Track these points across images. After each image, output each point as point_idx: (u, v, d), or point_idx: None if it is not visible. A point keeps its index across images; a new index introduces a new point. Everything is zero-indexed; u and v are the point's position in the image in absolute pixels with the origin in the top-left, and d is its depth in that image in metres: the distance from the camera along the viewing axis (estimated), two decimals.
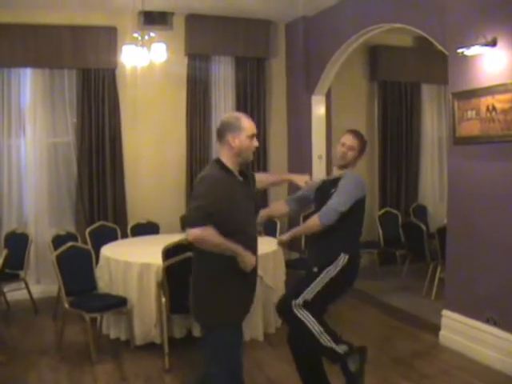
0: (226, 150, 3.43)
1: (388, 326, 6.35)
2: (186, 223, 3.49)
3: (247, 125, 3.44)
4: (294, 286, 4.32)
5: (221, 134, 3.45)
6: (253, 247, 3.53)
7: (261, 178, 4.05)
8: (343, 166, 4.21)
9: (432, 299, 6.96)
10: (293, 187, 8.76)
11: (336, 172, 4.29)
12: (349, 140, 4.19)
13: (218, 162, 3.44)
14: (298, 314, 4.02)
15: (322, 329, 3.99)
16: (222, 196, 3.29)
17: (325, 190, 4.22)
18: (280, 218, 7.15)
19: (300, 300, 4.04)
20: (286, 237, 4.34)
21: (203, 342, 3.60)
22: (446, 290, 5.79)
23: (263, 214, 4.34)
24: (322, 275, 4.08)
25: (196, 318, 3.65)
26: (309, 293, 4.06)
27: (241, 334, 3.67)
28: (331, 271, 4.09)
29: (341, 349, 3.98)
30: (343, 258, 4.10)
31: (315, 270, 4.12)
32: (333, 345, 3.98)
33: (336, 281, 4.09)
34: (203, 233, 3.25)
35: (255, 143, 3.50)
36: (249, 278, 3.54)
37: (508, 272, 4.94)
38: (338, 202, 4.02)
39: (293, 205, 4.51)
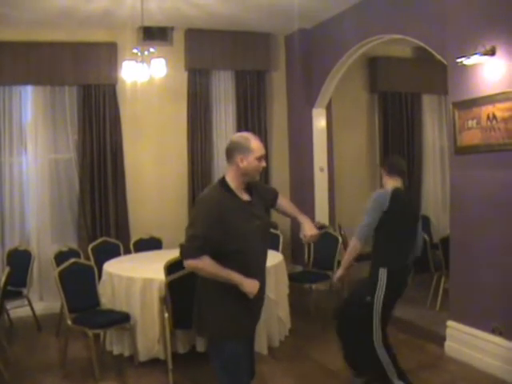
0: (233, 169, 3.43)
1: (393, 337, 6.27)
2: (181, 253, 3.54)
3: (256, 146, 3.43)
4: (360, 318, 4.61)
5: (230, 155, 3.44)
6: (256, 265, 3.52)
7: (283, 206, 4.01)
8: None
9: (437, 310, 6.92)
10: (295, 196, 8.78)
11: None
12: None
13: (222, 181, 3.46)
14: (379, 355, 4.50)
15: (393, 370, 4.50)
16: (215, 220, 3.29)
17: None
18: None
19: (376, 340, 4.49)
20: (340, 272, 4.70)
21: (210, 355, 3.59)
22: (451, 300, 5.76)
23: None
24: (375, 306, 4.44)
25: (200, 331, 3.68)
26: (377, 330, 4.49)
27: (248, 346, 3.67)
28: (380, 295, 4.43)
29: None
30: (382, 273, 4.42)
31: (368, 299, 4.45)
32: (395, 380, 4.49)
33: (387, 299, 4.46)
34: (198, 264, 3.31)
35: (263, 164, 3.49)
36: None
37: None
38: (365, 218, 4.45)
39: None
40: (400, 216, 4.46)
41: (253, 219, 3.46)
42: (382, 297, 4.41)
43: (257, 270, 3.49)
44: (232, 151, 3.43)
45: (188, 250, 3.33)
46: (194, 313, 3.55)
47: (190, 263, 3.33)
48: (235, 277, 3.32)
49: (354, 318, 4.65)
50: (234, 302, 3.41)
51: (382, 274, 4.41)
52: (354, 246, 4.49)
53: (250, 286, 3.36)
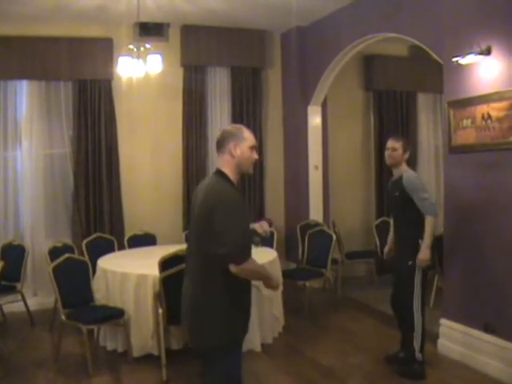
0: (227, 160, 3.28)
1: (386, 335, 6.33)
2: (232, 258, 3.09)
3: (249, 136, 3.35)
4: (401, 284, 5.16)
5: (222, 144, 3.31)
6: None
7: None
8: (394, 165, 5.16)
9: (430, 308, 6.92)
10: (289, 194, 8.80)
11: (394, 172, 5.20)
12: (390, 143, 5.14)
13: (222, 174, 3.28)
14: (415, 319, 5.00)
15: (420, 332, 5.02)
16: (246, 216, 3.24)
17: (391, 191, 5.24)
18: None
19: (415, 306, 4.99)
20: (427, 255, 4.95)
21: (210, 367, 3.33)
22: (444, 298, 5.78)
23: (387, 249, 5.63)
24: (417, 271, 4.97)
25: (201, 342, 3.31)
26: (417, 295, 4.99)
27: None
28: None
29: (418, 356, 5.03)
30: (420, 243, 4.95)
31: (410, 263, 4.98)
32: (416, 349, 5.01)
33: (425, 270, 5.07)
34: (254, 267, 3.21)
35: (255, 155, 3.38)
36: (249, 294, 3.42)
37: (506, 280, 4.93)
38: (423, 196, 4.92)
39: None
40: None
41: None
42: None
43: None
44: (224, 140, 3.30)
45: (242, 253, 3.10)
46: (191, 324, 3.32)
47: (247, 267, 3.10)
48: (270, 273, 3.40)
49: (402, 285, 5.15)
50: (241, 309, 3.29)
51: (421, 243, 4.93)
52: (432, 223, 4.93)
53: (278, 279, 3.38)
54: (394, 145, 5.11)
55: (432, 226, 4.93)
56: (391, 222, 5.58)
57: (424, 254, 4.91)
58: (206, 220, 3.12)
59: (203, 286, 3.21)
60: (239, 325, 3.30)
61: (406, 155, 5.12)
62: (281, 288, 6.30)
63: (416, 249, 4.94)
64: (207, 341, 3.25)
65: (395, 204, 5.21)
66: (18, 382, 5.16)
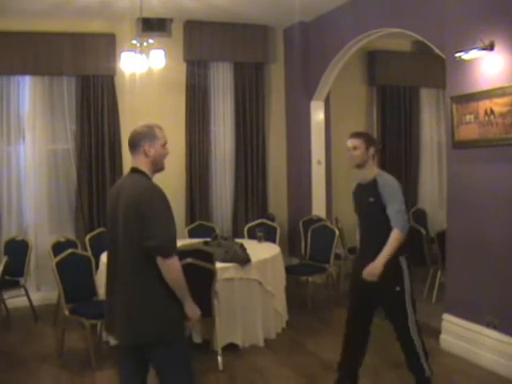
0: (142, 159, 3.36)
1: (388, 330, 6.32)
2: (160, 249, 3.13)
3: (160, 134, 3.40)
4: (391, 314, 4.51)
5: (135, 144, 3.38)
6: None
7: None
8: (360, 166, 4.39)
9: (432, 303, 6.95)
10: (292, 189, 8.80)
11: (363, 174, 4.44)
12: (350, 142, 4.38)
13: (141, 172, 3.36)
14: (414, 339, 4.39)
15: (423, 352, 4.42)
16: (171, 209, 3.25)
17: (362, 196, 4.46)
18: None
19: (411, 325, 4.36)
20: (378, 269, 4.17)
21: (164, 358, 3.31)
22: (447, 294, 5.78)
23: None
24: (406, 294, 4.31)
25: (151, 334, 3.24)
26: (411, 314, 4.34)
27: None
28: (407, 282, 4.31)
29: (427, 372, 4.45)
30: (403, 261, 4.29)
31: (398, 289, 4.28)
32: (426, 371, 4.44)
33: (411, 285, 4.35)
34: (177, 265, 3.20)
35: (167, 151, 3.45)
36: None
37: (508, 276, 4.94)
38: (399, 208, 4.25)
39: None
40: None
41: None
42: (409, 283, 4.32)
43: None
44: (138, 140, 3.36)
45: (171, 247, 3.16)
46: (128, 316, 3.25)
47: (172, 263, 3.14)
48: (189, 300, 3.30)
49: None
50: (177, 299, 3.30)
51: (403, 261, 4.28)
52: (401, 238, 4.19)
53: (194, 310, 3.34)
54: (353, 143, 4.36)
55: (399, 241, 4.17)
56: (358, 233, 4.68)
57: (375, 266, 4.17)
58: (136, 215, 3.17)
59: (140, 281, 3.22)
60: (178, 312, 3.31)
61: (371, 151, 4.37)
62: (283, 283, 6.34)
63: (399, 270, 4.27)
64: (151, 332, 3.23)
65: (368, 213, 4.42)
66: (21, 376, 5.18)
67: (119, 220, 3.27)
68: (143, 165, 3.36)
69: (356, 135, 4.43)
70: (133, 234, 3.18)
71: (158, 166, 3.41)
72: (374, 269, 4.16)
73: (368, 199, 4.32)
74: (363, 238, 4.55)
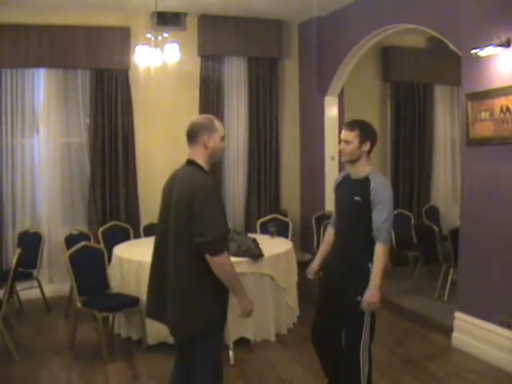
0: (200, 150, 3.36)
1: (400, 327, 6.33)
2: (208, 246, 3.13)
3: (220, 126, 3.42)
4: (346, 324, 3.98)
5: (194, 135, 3.37)
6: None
7: None
8: (352, 162, 3.92)
9: (444, 301, 6.93)
10: (305, 184, 8.78)
11: (353, 170, 3.97)
12: (342, 135, 3.96)
13: (196, 164, 3.36)
14: (361, 361, 3.85)
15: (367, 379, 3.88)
16: (222, 205, 3.28)
17: (347, 192, 3.96)
18: None
19: (364, 342, 3.84)
20: (375, 296, 3.72)
21: (195, 352, 3.34)
22: (459, 292, 5.76)
23: (316, 266, 4.35)
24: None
25: (187, 328, 3.29)
26: (366, 331, 3.85)
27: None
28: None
29: None
30: (371, 269, 3.80)
31: (359, 298, 3.77)
32: None
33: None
34: (227, 262, 3.19)
35: (225, 145, 3.49)
36: None
37: None
38: (388, 217, 3.75)
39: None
40: None
41: None
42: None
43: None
44: (197, 131, 3.37)
45: (220, 245, 3.14)
46: (176, 306, 3.27)
47: (222, 260, 3.15)
48: (243, 287, 3.31)
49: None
50: (222, 296, 3.36)
51: (371, 269, 3.78)
52: (385, 252, 3.76)
53: (248, 304, 3.34)
54: (346, 136, 3.90)
55: (385, 255, 3.74)
56: (333, 230, 4.23)
57: (372, 294, 3.72)
58: (186, 210, 3.18)
59: (187, 274, 3.24)
60: (221, 311, 3.36)
61: (366, 147, 3.89)
62: (295, 279, 6.34)
63: (366, 276, 3.76)
64: (193, 327, 3.27)
65: (350, 211, 3.91)
66: (33, 368, 5.21)
67: (171, 212, 3.30)
68: (200, 156, 3.37)
69: (350, 127, 3.95)
70: (183, 229, 3.20)
71: (215, 158, 3.46)
72: (372, 297, 3.71)
73: (354, 197, 3.83)
74: (339, 236, 4.07)
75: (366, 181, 3.83)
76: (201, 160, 3.36)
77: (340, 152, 4.04)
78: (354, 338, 3.85)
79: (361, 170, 3.90)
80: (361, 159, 3.89)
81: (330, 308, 4.08)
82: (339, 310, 3.97)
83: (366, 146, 3.89)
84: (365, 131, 3.96)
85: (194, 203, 3.15)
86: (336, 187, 4.17)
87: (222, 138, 3.42)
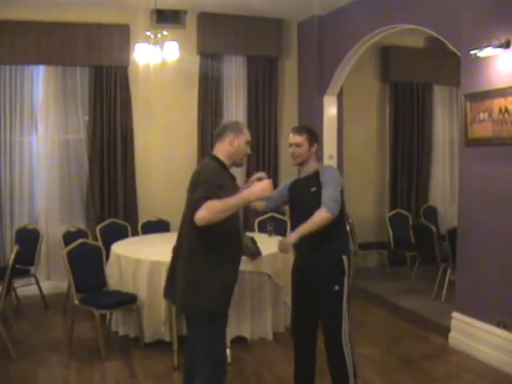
0: (224, 148, 3.54)
1: (397, 327, 6.34)
2: (194, 207, 3.24)
3: (247, 132, 3.62)
4: (324, 314, 4.15)
5: (221, 133, 3.56)
6: (240, 233, 3.67)
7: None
8: (302, 164, 4.18)
9: (442, 301, 6.94)
10: None
11: (304, 171, 4.21)
12: (292, 139, 4.13)
13: (216, 158, 3.52)
14: (345, 353, 4.03)
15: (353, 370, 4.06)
16: (221, 183, 3.31)
17: (302, 188, 4.16)
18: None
19: (344, 336, 4.02)
20: (292, 238, 3.85)
21: (195, 330, 3.54)
22: (457, 292, 5.77)
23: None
24: (344, 296, 4.04)
25: (191, 307, 3.45)
26: (345, 323, 4.03)
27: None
28: (346, 283, 4.05)
29: None
30: (345, 261, 4.05)
31: (337, 288, 3.99)
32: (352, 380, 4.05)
33: (349, 289, 4.10)
34: (206, 211, 3.17)
35: (249, 150, 3.62)
36: (236, 266, 3.62)
37: None
38: (333, 192, 3.90)
39: (270, 203, 4.44)
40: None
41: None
42: (348, 285, 4.05)
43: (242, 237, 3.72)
44: (224, 129, 3.57)
45: (196, 207, 3.20)
46: (182, 286, 3.43)
47: (199, 217, 3.18)
48: (243, 194, 3.32)
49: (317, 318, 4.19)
50: (229, 273, 3.51)
51: (345, 261, 4.02)
52: (327, 218, 3.81)
53: (260, 188, 3.34)
54: (296, 140, 4.10)
55: (323, 221, 3.82)
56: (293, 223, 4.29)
57: (290, 237, 3.88)
58: (190, 190, 3.38)
59: (196, 259, 3.40)
60: (225, 295, 3.51)
61: (314, 149, 4.14)
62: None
63: (341, 267, 4.00)
64: (195, 307, 3.43)
65: (308, 203, 4.01)
66: (31, 365, 5.21)
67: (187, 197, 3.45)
68: (223, 153, 3.54)
69: (299, 131, 4.14)
70: (189, 208, 3.35)
71: (236, 160, 3.59)
72: (288, 239, 3.88)
73: (309, 189, 4.03)
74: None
75: (316, 173, 4.09)
76: (221, 156, 3.53)
77: (291, 155, 4.19)
78: (335, 327, 4.04)
79: (311, 167, 4.16)
80: (310, 159, 4.16)
81: (306, 301, 4.19)
82: (315, 301, 4.12)
83: (314, 148, 4.17)
84: (312, 135, 4.19)
85: (195, 179, 3.36)
86: (289, 192, 4.37)
87: (247, 143, 3.58)
